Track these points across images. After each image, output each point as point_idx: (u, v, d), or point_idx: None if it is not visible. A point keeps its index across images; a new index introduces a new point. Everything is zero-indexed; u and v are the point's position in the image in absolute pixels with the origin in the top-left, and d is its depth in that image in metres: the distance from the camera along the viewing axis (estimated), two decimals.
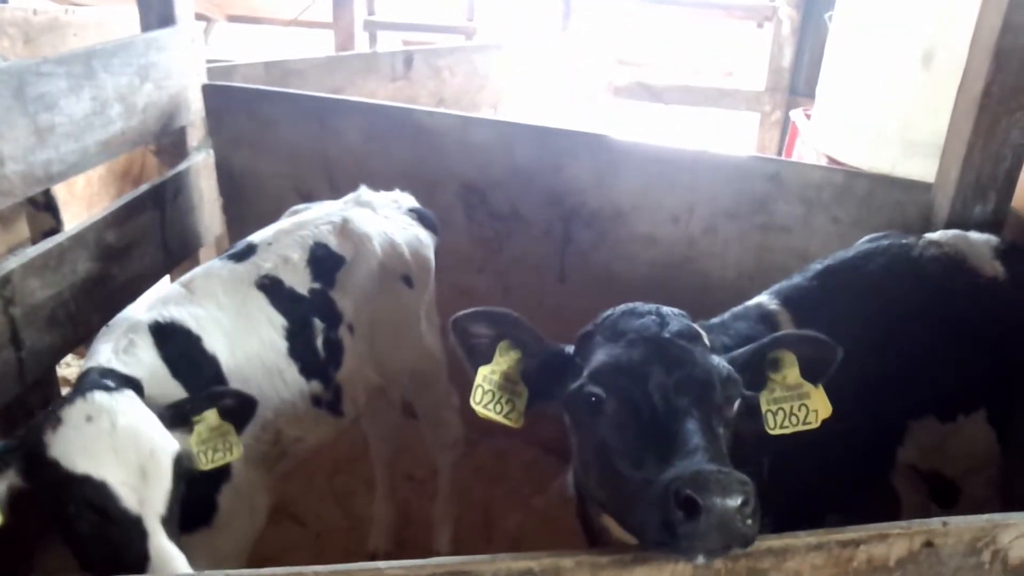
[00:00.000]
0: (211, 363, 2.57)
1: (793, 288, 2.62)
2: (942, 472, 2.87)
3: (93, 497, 1.96)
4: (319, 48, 7.97)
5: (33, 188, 3.16)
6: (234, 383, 2.58)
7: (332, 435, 3.08)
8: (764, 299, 2.60)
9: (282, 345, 2.79)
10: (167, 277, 4.21)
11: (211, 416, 2.27)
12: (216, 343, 2.59)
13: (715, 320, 2.47)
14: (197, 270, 2.88)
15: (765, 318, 2.50)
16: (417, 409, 3.60)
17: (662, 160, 3.65)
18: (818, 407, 1.96)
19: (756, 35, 6.67)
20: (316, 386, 2.88)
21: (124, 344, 2.41)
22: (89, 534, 1.99)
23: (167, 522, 2.03)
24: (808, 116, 5.37)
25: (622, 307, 2.00)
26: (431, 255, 3.40)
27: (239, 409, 2.33)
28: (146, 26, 4.05)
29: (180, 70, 4.03)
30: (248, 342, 2.69)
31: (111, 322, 2.57)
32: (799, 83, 6.24)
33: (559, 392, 1.96)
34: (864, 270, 2.67)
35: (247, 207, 4.17)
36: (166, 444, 2.11)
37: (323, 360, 2.90)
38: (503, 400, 2.00)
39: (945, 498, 2.90)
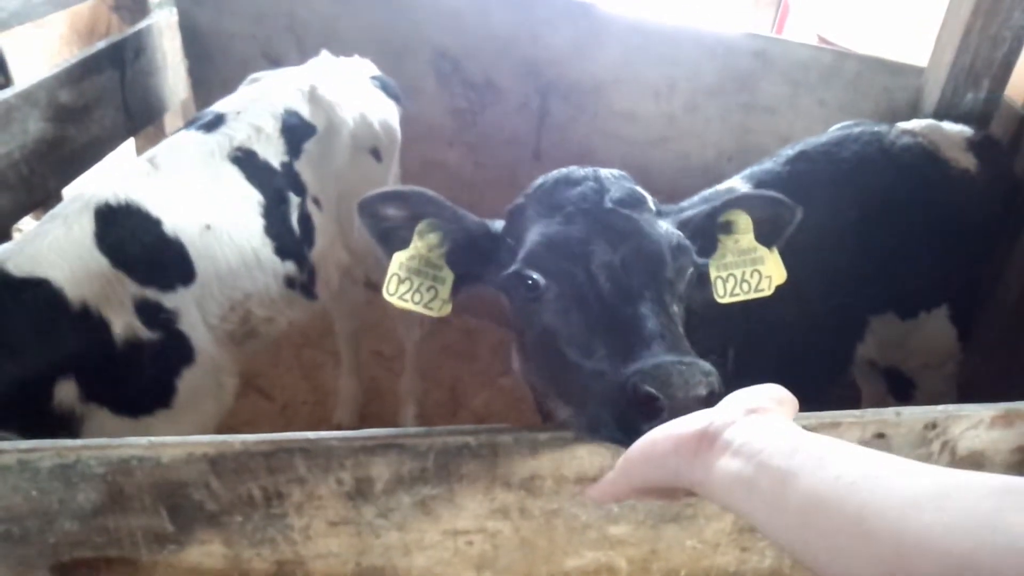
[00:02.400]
0: (172, 246, 2.40)
1: (765, 172, 2.52)
2: (900, 368, 2.85)
3: None
4: None
5: None
6: (202, 264, 2.45)
7: (305, 318, 2.96)
8: (736, 183, 2.50)
9: (257, 223, 2.64)
10: (131, 141, 4.08)
11: None
12: (180, 224, 2.43)
13: (685, 203, 2.36)
14: (163, 144, 2.68)
15: None
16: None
17: (645, 31, 3.47)
18: (772, 272, 1.81)
19: None
20: (290, 267, 2.75)
21: (65, 229, 2.25)
22: None
23: None
24: None
25: (555, 173, 1.80)
26: (398, 127, 3.26)
27: None
28: None
29: None
30: (219, 220, 2.53)
31: (64, 201, 2.40)
32: None
33: (489, 274, 1.78)
34: (836, 157, 2.56)
35: (213, 70, 3.99)
36: None
37: (298, 238, 2.77)
38: (423, 288, 1.79)
39: (902, 393, 2.89)
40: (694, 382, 1.33)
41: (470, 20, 3.59)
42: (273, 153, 2.74)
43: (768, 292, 1.83)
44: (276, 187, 2.72)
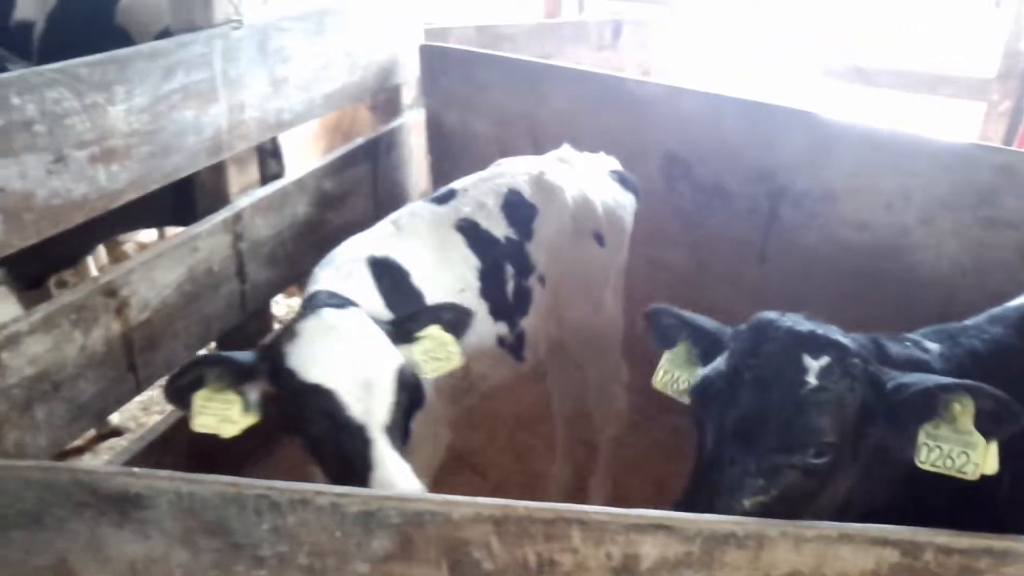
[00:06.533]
0: (417, 297, 2.72)
1: None
2: None
3: (323, 404, 2.11)
4: (523, 13, 8.08)
5: (266, 134, 3.40)
6: None
7: (511, 378, 3.21)
8: None
9: (475, 285, 2.94)
10: None
11: (433, 329, 2.40)
12: (420, 279, 2.76)
13: (969, 322, 2.32)
14: (403, 210, 3.09)
15: None
16: (587, 375, 3.61)
17: (878, 142, 3.47)
18: (981, 461, 1.77)
19: (992, 16, 6.17)
20: (502, 328, 3.02)
21: (344, 273, 2.60)
22: (320, 438, 2.15)
23: (390, 431, 2.15)
24: None
25: (769, 317, 2.02)
26: (628, 217, 3.42)
27: (457, 321, 2.46)
28: None
29: (400, 30, 4.20)
30: (446, 280, 2.84)
31: (329, 255, 2.76)
32: None
33: None
34: None
35: (453, 165, 4.29)
36: (390, 358, 2.24)
37: (511, 304, 3.03)
38: (680, 380, 2.19)
39: None
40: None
41: (702, 126, 3.72)
42: (495, 226, 3.06)
43: (971, 477, 1.79)
44: (494, 256, 3.01)
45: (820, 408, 1.84)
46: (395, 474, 2.05)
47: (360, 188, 4.03)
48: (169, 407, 4.28)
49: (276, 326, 3.77)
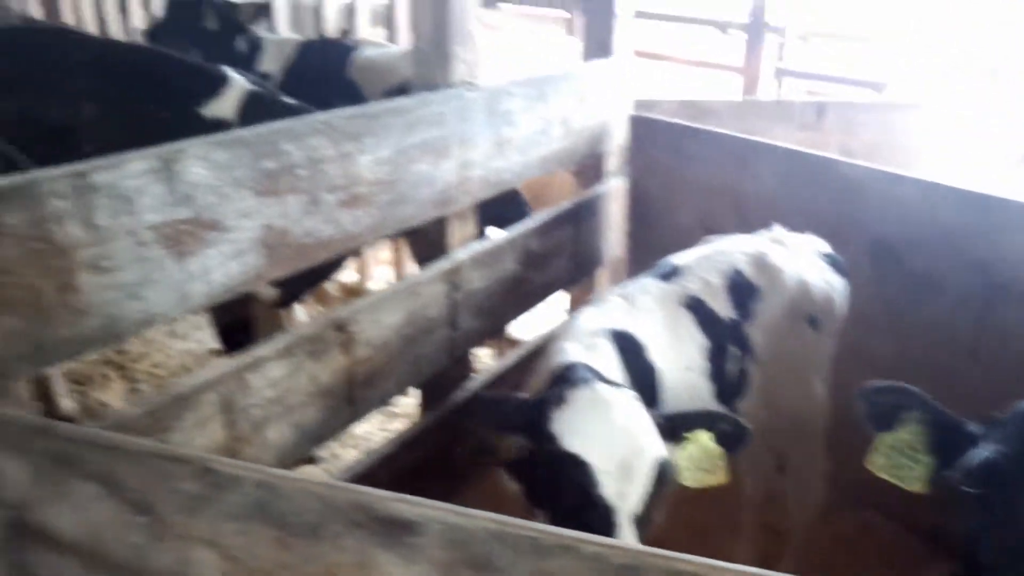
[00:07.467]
0: (651, 373, 2.73)
1: None
2: None
3: (576, 476, 2.08)
4: (719, 90, 8.19)
5: (486, 192, 3.57)
6: (668, 395, 2.72)
7: None
8: None
9: (703, 366, 2.92)
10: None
11: (704, 436, 2.31)
12: (655, 355, 2.77)
13: None
14: (630, 284, 3.11)
15: None
16: (786, 459, 3.54)
17: None
18: None
19: None
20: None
21: (589, 346, 2.61)
22: (566, 509, 2.11)
23: (639, 522, 2.13)
24: None
25: None
26: (840, 302, 3.38)
27: (733, 436, 2.33)
28: (587, 54, 4.42)
29: (612, 100, 4.34)
30: (676, 358, 2.84)
31: (569, 326, 2.82)
32: None
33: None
34: None
35: (651, 234, 4.37)
36: (654, 448, 2.18)
37: (733, 387, 3.00)
38: (902, 466, 2.13)
39: None
40: None
41: (916, 214, 3.64)
42: (720, 306, 3.05)
43: None
44: (719, 336, 2.99)
45: None
46: None
47: (562, 249, 4.15)
48: (366, 441, 4.54)
49: (472, 375, 3.89)
